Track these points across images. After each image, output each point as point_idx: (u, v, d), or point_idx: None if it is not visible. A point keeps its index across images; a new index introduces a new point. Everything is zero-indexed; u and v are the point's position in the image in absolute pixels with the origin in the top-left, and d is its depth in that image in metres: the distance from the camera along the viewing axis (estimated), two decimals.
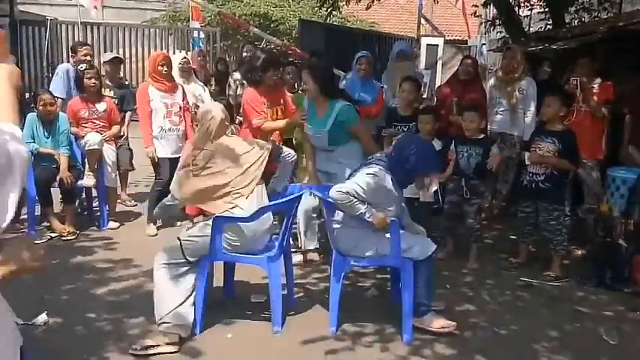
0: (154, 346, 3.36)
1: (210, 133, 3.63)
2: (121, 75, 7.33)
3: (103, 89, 6.11)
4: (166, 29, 14.46)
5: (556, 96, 4.77)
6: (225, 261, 3.91)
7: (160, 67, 5.44)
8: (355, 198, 3.49)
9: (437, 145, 5.07)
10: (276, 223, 4.04)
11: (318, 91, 4.47)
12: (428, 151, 3.72)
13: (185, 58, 6.27)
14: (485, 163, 4.85)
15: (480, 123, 5.06)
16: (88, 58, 6.24)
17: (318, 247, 4.86)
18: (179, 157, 5.45)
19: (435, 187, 4.26)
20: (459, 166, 4.89)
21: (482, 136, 5.07)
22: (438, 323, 3.67)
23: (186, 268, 3.51)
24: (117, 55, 6.81)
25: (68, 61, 6.61)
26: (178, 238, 3.55)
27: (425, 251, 3.59)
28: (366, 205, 3.52)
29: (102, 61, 6.91)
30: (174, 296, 3.44)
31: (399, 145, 3.77)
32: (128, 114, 6.39)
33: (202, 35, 13.69)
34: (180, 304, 3.43)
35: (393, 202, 3.64)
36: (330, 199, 3.70)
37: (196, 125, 5.36)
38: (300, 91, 5.95)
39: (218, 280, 4.08)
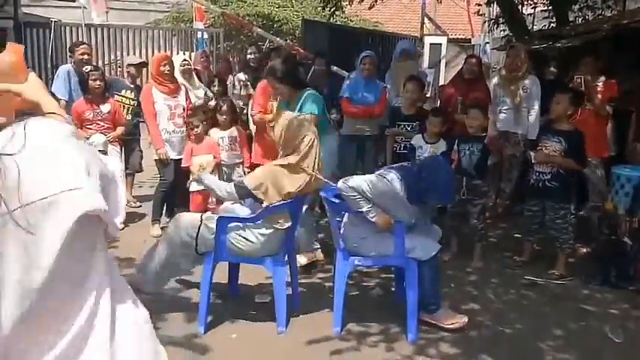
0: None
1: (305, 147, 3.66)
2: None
3: (125, 90, 6.14)
4: (170, 30, 14.48)
5: (565, 94, 4.77)
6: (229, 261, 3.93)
7: (162, 68, 5.46)
8: (360, 195, 3.50)
9: (443, 146, 5.07)
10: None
11: (289, 90, 4.48)
12: (447, 182, 3.69)
13: (185, 60, 6.28)
14: (483, 160, 4.86)
15: (484, 121, 5.06)
16: (86, 57, 6.24)
17: (319, 246, 4.86)
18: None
19: None
20: (461, 165, 4.88)
21: (484, 133, 5.06)
22: (449, 320, 3.69)
23: (191, 255, 3.63)
24: (144, 60, 6.85)
25: (71, 63, 6.62)
26: (201, 218, 3.65)
27: (428, 252, 3.59)
28: (370, 205, 3.53)
29: (127, 63, 6.95)
30: (163, 265, 3.63)
31: (423, 164, 3.77)
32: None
33: (206, 36, 13.70)
34: (162, 272, 3.63)
35: (403, 211, 3.61)
36: (333, 200, 3.71)
37: (191, 129, 5.41)
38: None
39: (223, 278, 4.09)
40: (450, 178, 3.82)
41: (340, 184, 3.57)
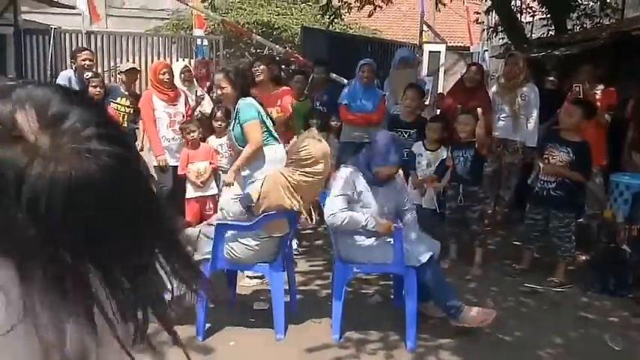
0: None
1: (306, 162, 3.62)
2: None
3: (120, 98, 6.15)
4: (169, 38, 14.49)
5: (579, 107, 4.75)
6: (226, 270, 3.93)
7: (161, 76, 5.46)
8: (346, 208, 3.55)
9: (443, 153, 5.06)
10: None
11: (236, 97, 4.32)
12: (386, 143, 3.74)
13: (186, 66, 6.29)
14: (477, 166, 4.85)
15: (474, 125, 5.01)
16: (88, 62, 6.22)
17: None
18: None
19: (430, 193, 4.32)
20: (456, 172, 4.88)
21: (474, 139, 5.01)
22: (477, 319, 3.67)
23: None
24: (134, 66, 6.82)
25: (73, 69, 6.61)
26: (199, 230, 3.67)
27: (418, 258, 3.57)
28: (366, 216, 3.56)
29: (119, 71, 6.94)
30: None
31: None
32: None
33: (205, 43, 13.72)
34: None
35: (372, 198, 3.70)
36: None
37: (187, 133, 5.38)
38: (303, 99, 5.98)
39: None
40: (389, 139, 3.83)
41: (328, 220, 3.61)
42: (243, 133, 4.27)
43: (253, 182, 4.10)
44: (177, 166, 5.50)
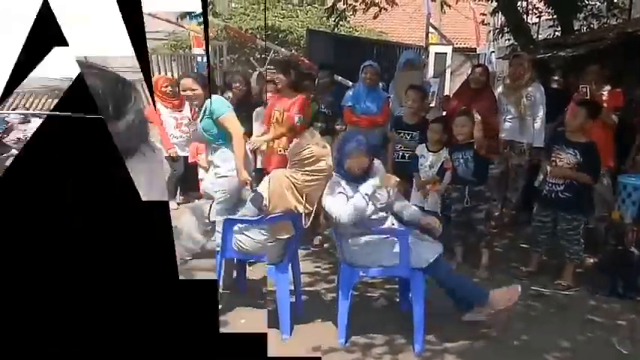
0: None
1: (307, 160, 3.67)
2: None
3: None
4: (169, 56, 14.27)
5: (583, 107, 4.72)
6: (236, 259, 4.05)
7: (163, 89, 5.69)
8: (342, 203, 3.55)
9: (446, 154, 5.03)
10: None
11: (203, 97, 4.42)
12: (344, 139, 3.84)
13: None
14: (480, 165, 4.83)
15: (472, 126, 4.95)
16: None
17: None
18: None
19: (434, 197, 4.68)
20: (458, 174, 4.85)
21: (472, 140, 4.98)
22: (504, 299, 3.71)
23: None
24: None
25: None
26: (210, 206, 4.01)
27: (426, 257, 3.56)
28: (362, 190, 3.56)
29: None
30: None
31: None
32: None
33: (205, 60, 13.56)
34: None
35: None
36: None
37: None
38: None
39: None
40: (352, 135, 3.97)
41: (337, 221, 3.59)
42: (216, 126, 4.34)
43: (224, 177, 4.31)
44: (187, 156, 5.99)
